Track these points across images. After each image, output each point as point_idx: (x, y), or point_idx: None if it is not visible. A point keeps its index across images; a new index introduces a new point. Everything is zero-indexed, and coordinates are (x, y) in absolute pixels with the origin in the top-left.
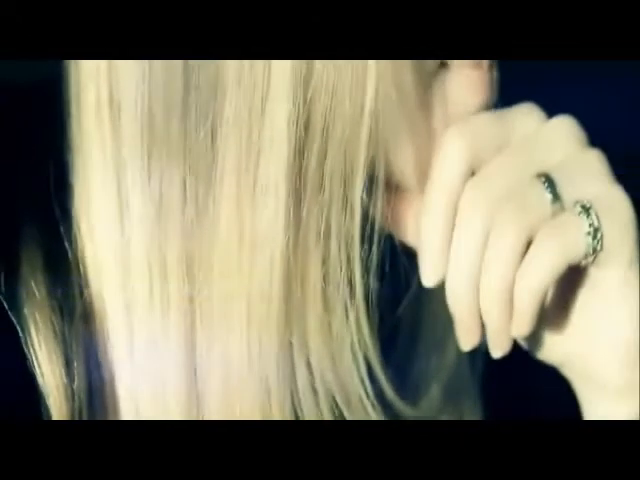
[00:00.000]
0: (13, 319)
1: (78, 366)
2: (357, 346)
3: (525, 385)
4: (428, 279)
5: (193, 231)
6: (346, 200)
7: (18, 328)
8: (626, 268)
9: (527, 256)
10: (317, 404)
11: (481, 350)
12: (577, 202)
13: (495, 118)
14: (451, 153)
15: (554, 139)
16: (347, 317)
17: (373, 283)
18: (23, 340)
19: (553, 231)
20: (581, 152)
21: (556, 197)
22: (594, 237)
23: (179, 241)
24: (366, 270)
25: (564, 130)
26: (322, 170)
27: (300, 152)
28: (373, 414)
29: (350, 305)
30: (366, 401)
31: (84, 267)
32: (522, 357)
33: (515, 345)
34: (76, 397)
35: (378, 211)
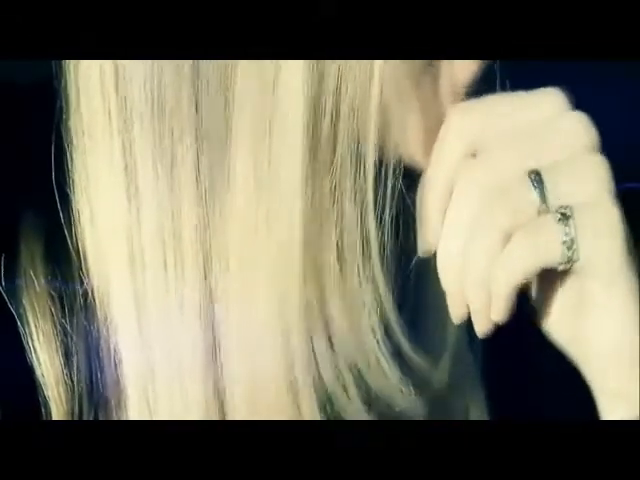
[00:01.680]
0: (12, 309)
1: (79, 357)
2: (373, 304)
3: (527, 385)
4: (422, 250)
5: (208, 201)
6: (359, 160)
7: (17, 319)
8: (607, 280)
9: (504, 252)
10: (336, 364)
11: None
12: (560, 208)
13: (506, 99)
14: (452, 132)
15: (563, 135)
16: (362, 275)
17: (387, 241)
18: (22, 331)
19: (528, 235)
20: (584, 155)
21: (543, 199)
22: (569, 247)
23: (194, 213)
24: (380, 228)
25: (575, 127)
26: (335, 130)
27: (314, 112)
28: (389, 373)
29: (365, 264)
30: (383, 359)
31: (85, 253)
32: (525, 357)
33: (517, 344)
34: (76, 389)
35: (390, 171)
